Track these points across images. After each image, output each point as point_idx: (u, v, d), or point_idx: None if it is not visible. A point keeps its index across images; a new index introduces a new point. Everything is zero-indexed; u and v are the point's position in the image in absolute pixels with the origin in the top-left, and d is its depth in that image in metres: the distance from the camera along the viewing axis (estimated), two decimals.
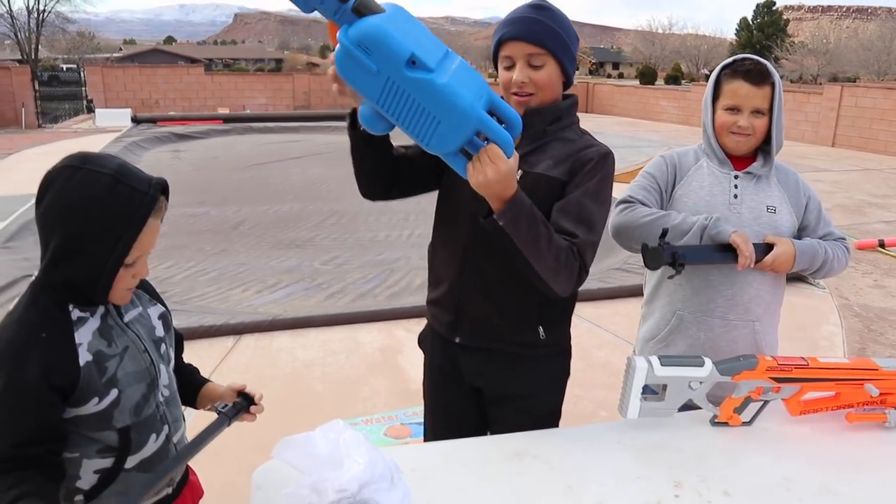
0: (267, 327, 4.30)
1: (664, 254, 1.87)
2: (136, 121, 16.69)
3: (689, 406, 1.67)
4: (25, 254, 5.87)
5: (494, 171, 1.38)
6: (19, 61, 34.87)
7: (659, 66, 57.75)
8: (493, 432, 1.87)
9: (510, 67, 1.70)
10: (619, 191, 2.01)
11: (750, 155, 2.05)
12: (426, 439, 2.01)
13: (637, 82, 39.23)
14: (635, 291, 5.01)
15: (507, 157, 1.38)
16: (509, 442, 1.59)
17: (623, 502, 1.36)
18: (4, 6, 36.41)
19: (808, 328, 4.47)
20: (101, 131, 15.85)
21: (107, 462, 1.34)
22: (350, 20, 1.25)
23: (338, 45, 1.27)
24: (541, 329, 1.77)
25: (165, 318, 1.50)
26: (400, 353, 4.00)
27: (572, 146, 1.71)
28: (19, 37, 37.36)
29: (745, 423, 1.68)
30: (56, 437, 1.27)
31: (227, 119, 17.49)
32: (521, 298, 1.72)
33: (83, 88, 24.45)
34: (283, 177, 10.37)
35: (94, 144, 12.42)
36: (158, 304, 1.51)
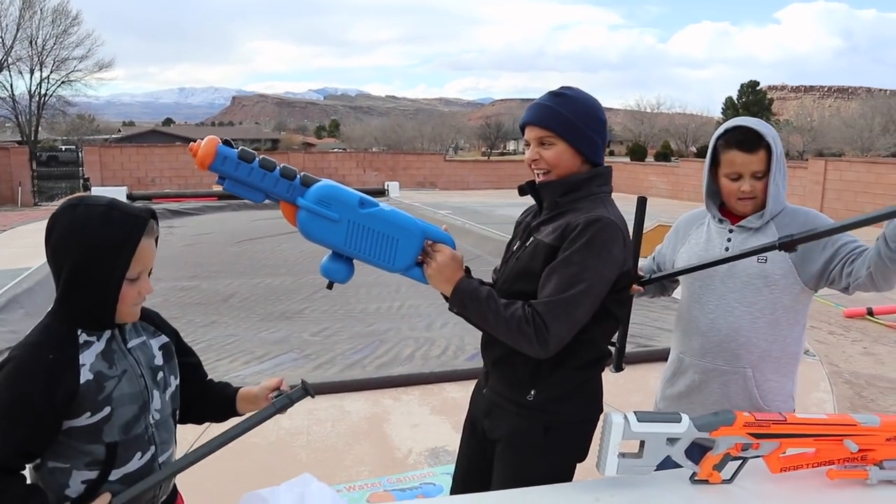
0: None
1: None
2: (131, 198, 16.80)
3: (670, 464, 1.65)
4: (12, 326, 5.84)
5: (441, 257, 1.72)
6: (19, 142, 35.37)
7: (648, 143, 58.83)
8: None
9: (529, 146, 1.87)
10: None
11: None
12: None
13: (627, 159, 39.93)
14: None
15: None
16: (483, 501, 1.57)
17: None
18: (7, 90, 37.17)
19: (797, 395, 4.41)
20: None
21: (93, 474, 1.46)
22: (302, 191, 1.63)
23: (300, 212, 1.62)
24: (532, 392, 1.81)
25: (167, 347, 1.62)
26: (386, 422, 3.95)
27: (578, 215, 1.77)
28: (20, 119, 37.98)
29: (725, 481, 1.66)
30: (39, 454, 1.42)
31: (221, 196, 17.61)
32: (518, 357, 1.77)
33: (80, 168, 24.76)
34: (275, 251, 10.41)
35: None
36: (162, 336, 1.63)
